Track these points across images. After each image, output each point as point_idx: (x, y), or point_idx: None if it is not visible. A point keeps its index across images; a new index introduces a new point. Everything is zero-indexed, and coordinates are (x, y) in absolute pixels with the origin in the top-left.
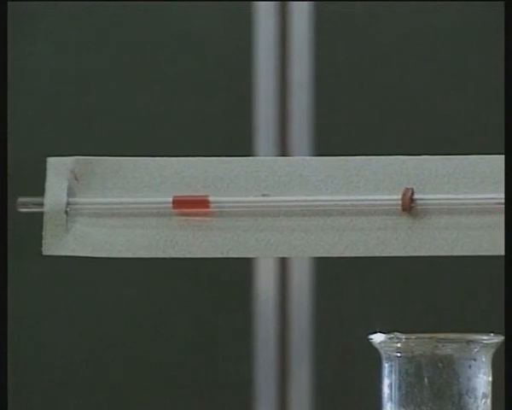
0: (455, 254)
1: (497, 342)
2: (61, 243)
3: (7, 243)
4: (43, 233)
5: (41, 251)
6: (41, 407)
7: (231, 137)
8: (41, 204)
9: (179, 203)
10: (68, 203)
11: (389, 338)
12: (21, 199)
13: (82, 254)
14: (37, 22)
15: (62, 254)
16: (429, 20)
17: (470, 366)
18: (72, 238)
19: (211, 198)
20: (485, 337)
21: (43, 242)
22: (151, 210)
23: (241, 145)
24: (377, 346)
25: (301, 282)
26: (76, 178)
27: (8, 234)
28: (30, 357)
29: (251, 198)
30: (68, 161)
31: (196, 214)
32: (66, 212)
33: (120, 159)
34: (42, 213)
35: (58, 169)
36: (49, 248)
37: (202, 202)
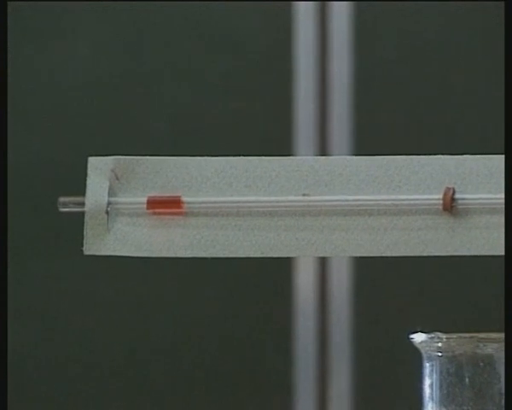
0: (496, 253)
1: None
2: (102, 242)
3: (7, 243)
4: (84, 233)
5: (82, 251)
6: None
7: (271, 136)
8: (82, 204)
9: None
10: (109, 203)
11: (430, 338)
12: (62, 199)
13: (123, 253)
14: (78, 23)
15: (103, 253)
16: (469, 19)
17: None
18: (113, 238)
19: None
20: None
21: (84, 241)
22: (192, 209)
23: (281, 145)
24: (418, 346)
25: (341, 281)
26: (117, 178)
27: (49, 234)
28: (74, 354)
29: (291, 198)
30: (109, 160)
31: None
32: (107, 211)
33: (161, 158)
34: (83, 213)
35: (99, 169)
36: (91, 248)
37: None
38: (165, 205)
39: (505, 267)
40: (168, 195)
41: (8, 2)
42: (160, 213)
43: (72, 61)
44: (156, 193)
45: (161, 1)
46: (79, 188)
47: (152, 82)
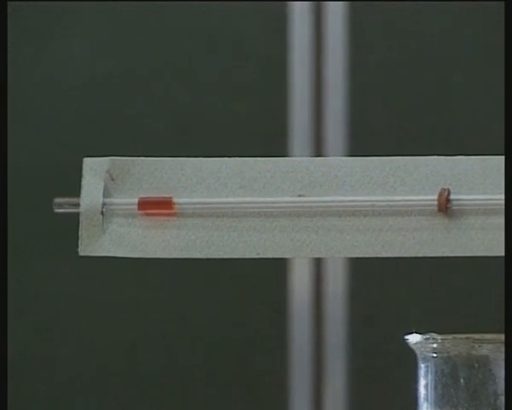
0: (491, 254)
1: None
2: (97, 243)
3: (7, 243)
4: (79, 234)
5: (77, 252)
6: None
7: (266, 137)
8: (77, 205)
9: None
10: (104, 204)
11: (425, 339)
12: (57, 200)
13: (118, 254)
14: (78, 23)
15: (98, 254)
16: (469, 19)
17: None
18: (108, 239)
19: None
20: None
21: (79, 242)
22: (187, 211)
23: (276, 146)
24: (413, 346)
25: (336, 282)
26: (112, 179)
27: (44, 234)
28: (72, 354)
29: (286, 198)
30: (104, 161)
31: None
32: (102, 212)
33: (156, 159)
34: (78, 214)
35: (94, 170)
36: (86, 248)
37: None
38: (157, 206)
39: (505, 267)
40: (160, 196)
41: (8, 3)
42: (151, 215)
43: (72, 61)
44: (151, 194)
45: (161, 1)
46: (78, 189)
47: (152, 82)
